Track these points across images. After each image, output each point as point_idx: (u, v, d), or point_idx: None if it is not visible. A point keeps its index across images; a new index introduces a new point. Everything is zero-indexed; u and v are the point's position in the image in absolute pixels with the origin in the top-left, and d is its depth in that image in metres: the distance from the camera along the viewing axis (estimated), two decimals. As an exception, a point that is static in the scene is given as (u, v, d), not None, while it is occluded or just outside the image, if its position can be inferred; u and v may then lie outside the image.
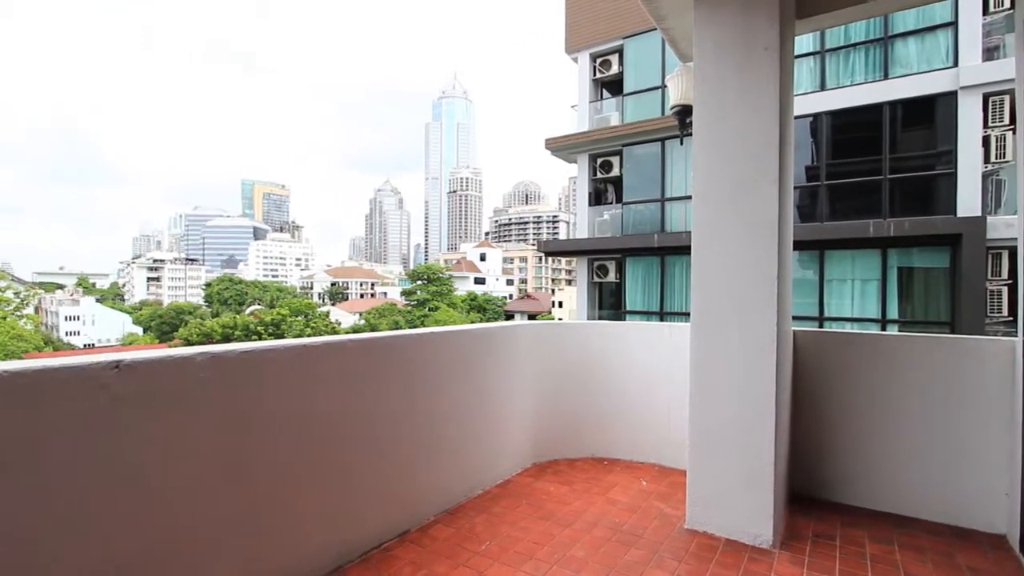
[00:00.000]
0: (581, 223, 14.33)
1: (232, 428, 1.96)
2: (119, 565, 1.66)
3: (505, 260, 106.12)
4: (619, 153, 13.64)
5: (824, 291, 10.96)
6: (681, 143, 3.59)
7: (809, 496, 3.31)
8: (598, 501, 3.27)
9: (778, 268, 2.56)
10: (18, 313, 43.23)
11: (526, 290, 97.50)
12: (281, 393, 2.14)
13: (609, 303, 14.53)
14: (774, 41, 2.55)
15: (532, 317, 59.48)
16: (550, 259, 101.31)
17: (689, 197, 12.26)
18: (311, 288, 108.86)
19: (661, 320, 12.51)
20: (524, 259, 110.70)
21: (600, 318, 14.20)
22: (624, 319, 13.07)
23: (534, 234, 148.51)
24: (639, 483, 3.58)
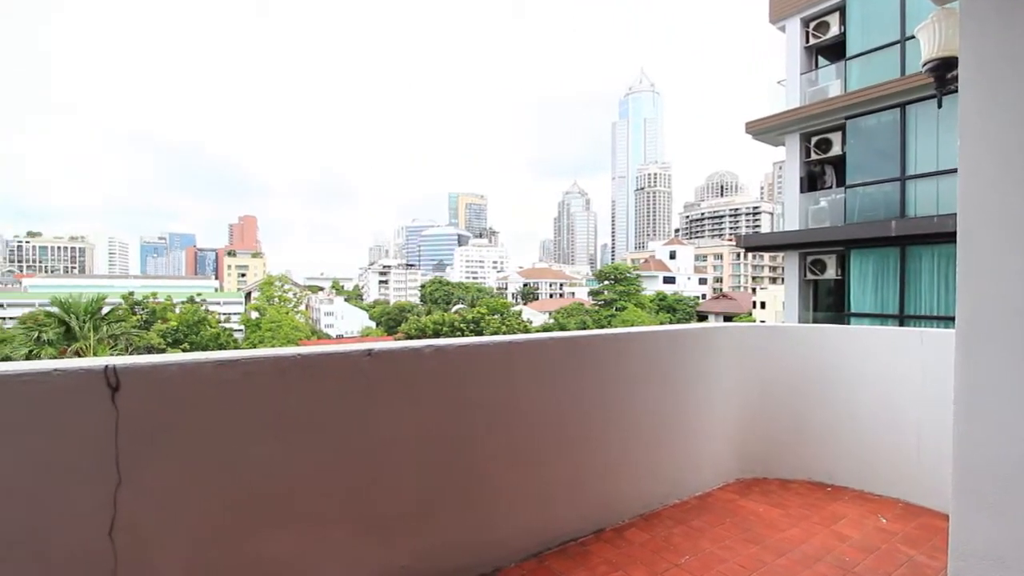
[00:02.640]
0: (790, 213, 12.61)
1: (449, 411, 2.22)
2: (386, 518, 2.05)
3: (697, 258, 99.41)
4: (840, 128, 11.63)
5: None
6: (939, 105, 2.86)
7: None
8: (820, 532, 2.84)
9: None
10: (296, 309, 55.92)
11: (721, 289, 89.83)
12: (488, 384, 2.35)
13: (826, 304, 12.49)
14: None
15: (728, 319, 54.42)
16: (750, 255, 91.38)
17: (945, 171, 9.85)
18: (506, 288, 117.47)
19: (900, 324, 10.28)
20: (719, 256, 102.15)
21: (815, 321, 12.31)
22: (847, 322, 11.09)
23: (731, 228, 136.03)
24: (876, 519, 3.00)
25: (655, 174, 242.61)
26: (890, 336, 3.29)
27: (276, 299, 54.26)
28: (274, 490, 1.81)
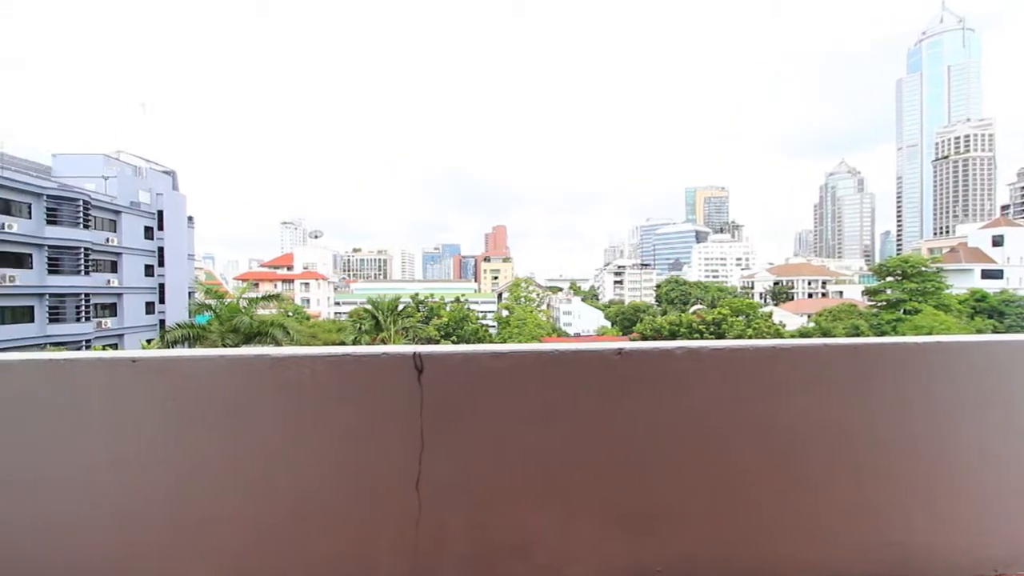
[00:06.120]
0: None
1: (700, 415, 2.10)
2: (632, 515, 2.07)
3: (1044, 243, 72.20)
4: None
5: None
6: None
7: None
8: None
9: None
10: (539, 308, 61.06)
11: (1091, 286, 63.27)
12: (745, 390, 2.14)
13: None
14: None
15: (1108, 328, 37.76)
16: None
17: None
18: (751, 288, 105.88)
19: None
20: (1085, 239, 72.22)
21: None
22: None
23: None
24: None
25: (967, 136, 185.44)
26: None
27: (523, 299, 60.22)
28: (533, 470, 1.99)
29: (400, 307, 29.08)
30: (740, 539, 2.16)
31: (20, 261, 30.24)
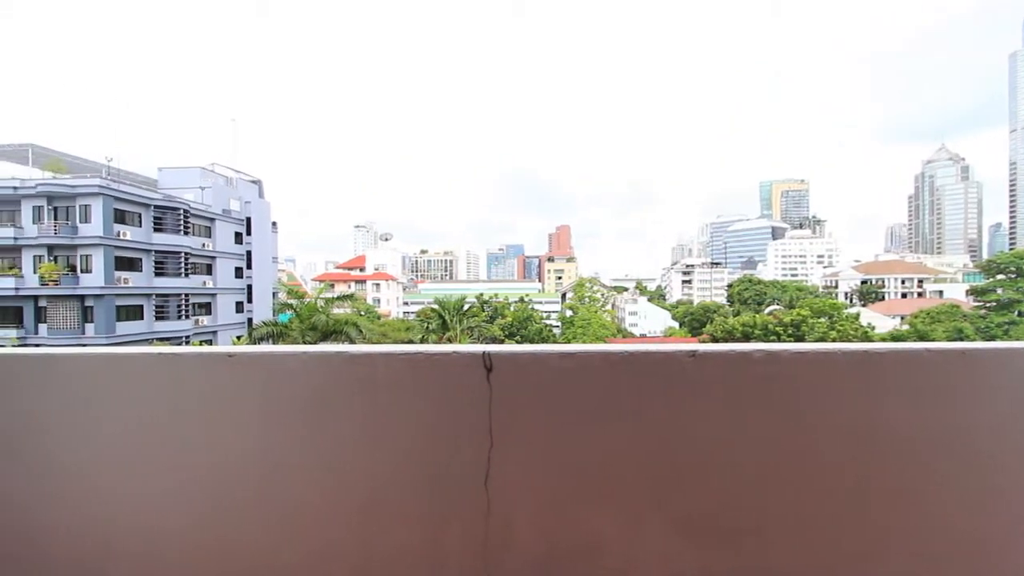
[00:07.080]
0: None
1: (781, 423, 1.97)
2: (701, 522, 1.98)
3: None
4: None
5: None
6: None
7: None
8: None
9: None
10: (603, 308, 60.20)
11: None
12: (833, 397, 1.99)
13: None
14: None
15: None
16: None
17: None
18: (835, 287, 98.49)
19: None
20: None
21: None
22: None
23: None
24: None
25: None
26: None
27: (587, 299, 59.64)
28: (601, 472, 1.96)
29: (465, 307, 29.72)
30: (826, 558, 2.02)
31: (132, 265, 33.93)
